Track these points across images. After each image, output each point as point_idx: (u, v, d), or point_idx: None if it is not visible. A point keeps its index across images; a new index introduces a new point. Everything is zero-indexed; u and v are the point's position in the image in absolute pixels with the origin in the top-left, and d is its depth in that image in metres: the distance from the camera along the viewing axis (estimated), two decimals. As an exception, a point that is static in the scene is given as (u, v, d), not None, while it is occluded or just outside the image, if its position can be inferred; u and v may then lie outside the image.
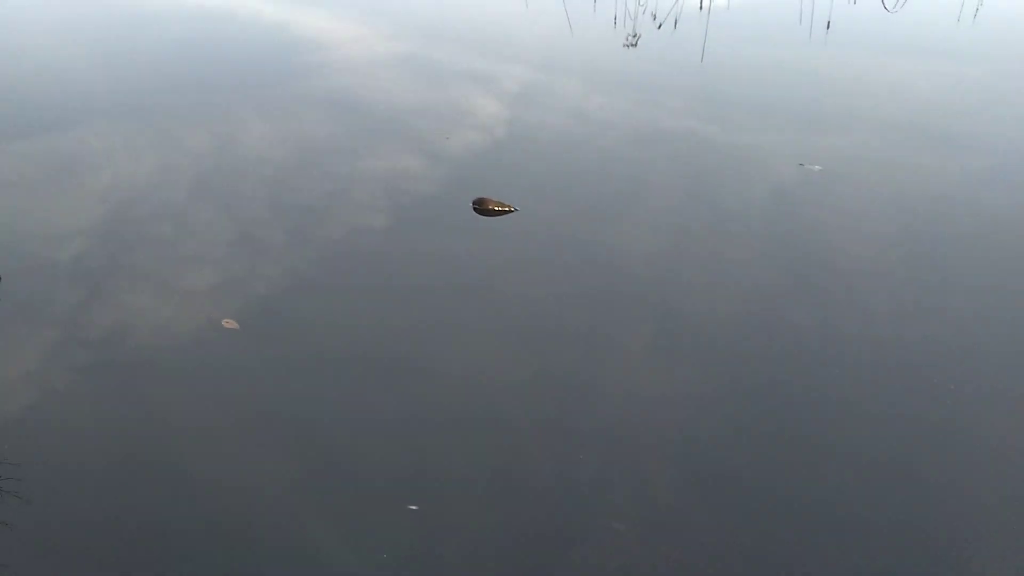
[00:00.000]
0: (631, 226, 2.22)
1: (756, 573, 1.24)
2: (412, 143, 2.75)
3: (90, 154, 2.67)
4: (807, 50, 3.45)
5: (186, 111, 2.95)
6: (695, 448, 1.48)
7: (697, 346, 1.74)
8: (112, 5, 3.94)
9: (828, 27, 3.60)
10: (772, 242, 2.17)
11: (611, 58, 3.40)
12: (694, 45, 3.45)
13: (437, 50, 3.50)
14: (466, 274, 2.00)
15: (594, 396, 1.61)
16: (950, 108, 3.02)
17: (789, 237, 2.20)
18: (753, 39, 3.56)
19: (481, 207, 2.25)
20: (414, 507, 1.34)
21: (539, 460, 1.47)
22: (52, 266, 2.03)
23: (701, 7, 3.79)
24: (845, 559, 1.26)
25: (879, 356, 1.72)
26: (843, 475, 1.41)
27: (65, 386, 1.65)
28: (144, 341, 1.77)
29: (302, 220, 2.22)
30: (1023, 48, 3.52)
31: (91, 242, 2.16)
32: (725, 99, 3.08)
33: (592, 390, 1.62)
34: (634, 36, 3.53)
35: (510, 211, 2.23)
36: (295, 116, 2.93)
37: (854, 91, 3.15)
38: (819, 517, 1.33)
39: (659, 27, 3.59)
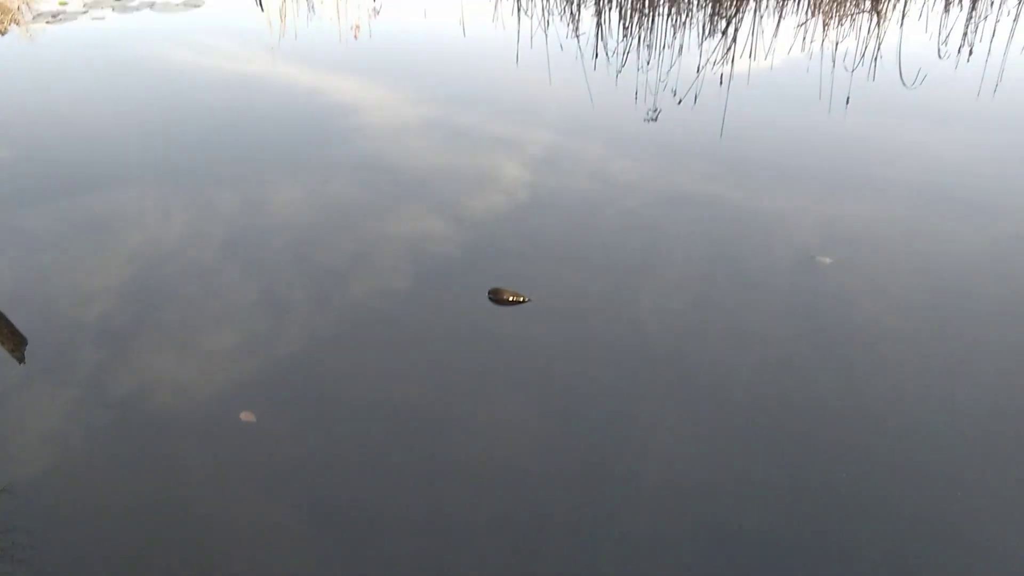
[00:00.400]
0: (653, 302, 2.29)
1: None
2: (436, 212, 2.86)
3: (121, 215, 2.82)
4: (827, 122, 3.51)
5: (217, 174, 3.11)
6: (725, 527, 1.52)
7: (724, 427, 1.79)
8: (147, 68, 4.19)
9: (847, 102, 3.66)
10: (797, 312, 2.22)
11: (632, 130, 3.49)
12: (714, 119, 3.53)
13: (462, 118, 3.64)
14: (485, 357, 2.09)
15: (619, 478, 1.66)
16: (975, 176, 3.04)
17: (814, 306, 2.25)
18: (773, 113, 3.63)
19: (497, 298, 2.32)
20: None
21: (563, 542, 1.51)
22: (79, 328, 2.16)
23: (721, 83, 3.88)
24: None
25: (907, 423, 1.75)
26: (873, 551, 1.43)
27: (86, 450, 1.74)
28: (167, 405, 1.86)
29: (319, 294, 2.33)
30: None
31: (119, 303, 2.28)
32: (747, 168, 3.14)
33: (617, 472, 1.68)
34: (655, 111, 3.62)
35: (525, 301, 2.33)
36: (322, 181, 3.07)
37: (876, 160, 3.19)
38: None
39: (679, 102, 3.68)
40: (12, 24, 5.00)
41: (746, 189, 3.02)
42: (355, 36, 4.67)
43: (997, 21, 4.59)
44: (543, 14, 4.90)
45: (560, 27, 4.66)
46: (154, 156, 3.30)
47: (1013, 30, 4.45)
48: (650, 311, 2.31)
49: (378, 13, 5.04)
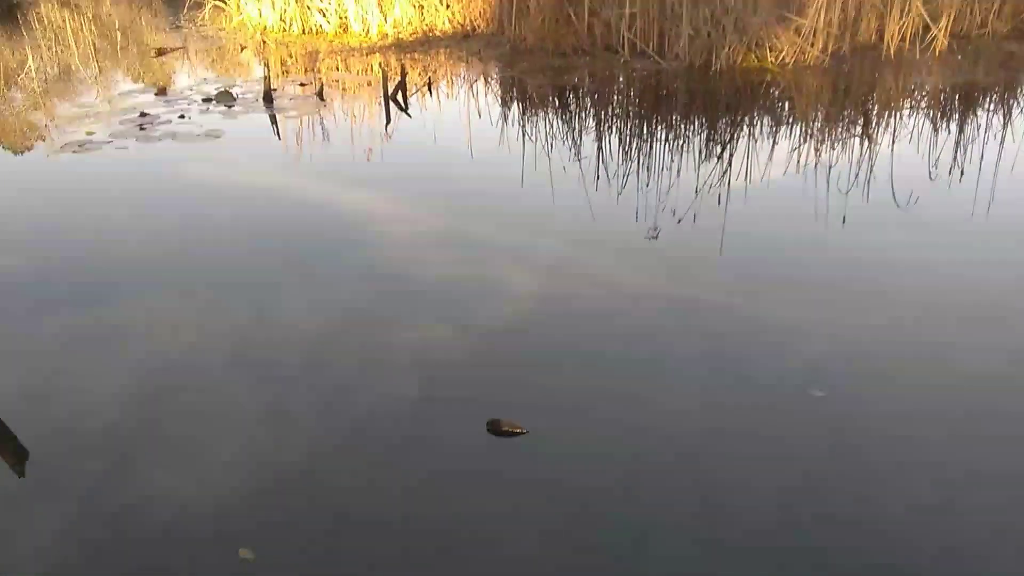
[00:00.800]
0: (650, 429, 2.31)
1: None
2: (440, 328, 2.92)
3: (129, 325, 2.89)
4: (825, 240, 3.59)
5: (228, 287, 3.20)
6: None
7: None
8: (166, 188, 4.36)
9: (844, 221, 3.76)
10: (809, 426, 2.26)
11: (634, 248, 3.58)
12: (713, 237, 3.63)
13: (468, 235, 3.75)
14: (485, 491, 2.09)
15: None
16: (975, 289, 3.09)
17: (826, 419, 2.29)
18: (771, 233, 3.73)
19: (495, 429, 2.33)
20: None
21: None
22: (81, 440, 2.17)
23: (719, 203, 4.01)
24: None
25: (922, 536, 1.73)
26: None
27: (80, 569, 1.73)
28: (168, 520, 1.86)
29: (320, 415, 2.36)
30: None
31: (124, 416, 2.31)
32: (747, 286, 3.20)
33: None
34: (655, 229, 3.73)
35: (522, 433, 2.33)
36: (333, 294, 3.15)
37: (877, 276, 3.25)
38: None
39: (679, 222, 3.79)
40: (39, 141, 5.25)
41: (747, 307, 3.08)
42: (368, 159, 4.87)
43: (985, 144, 4.76)
44: (546, 139, 5.12)
45: (563, 151, 4.86)
46: (167, 269, 3.41)
47: (1000, 152, 4.61)
48: (647, 439, 2.32)
49: (390, 138, 5.27)
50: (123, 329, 2.94)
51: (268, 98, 5.92)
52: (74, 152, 4.89)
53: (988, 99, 5.79)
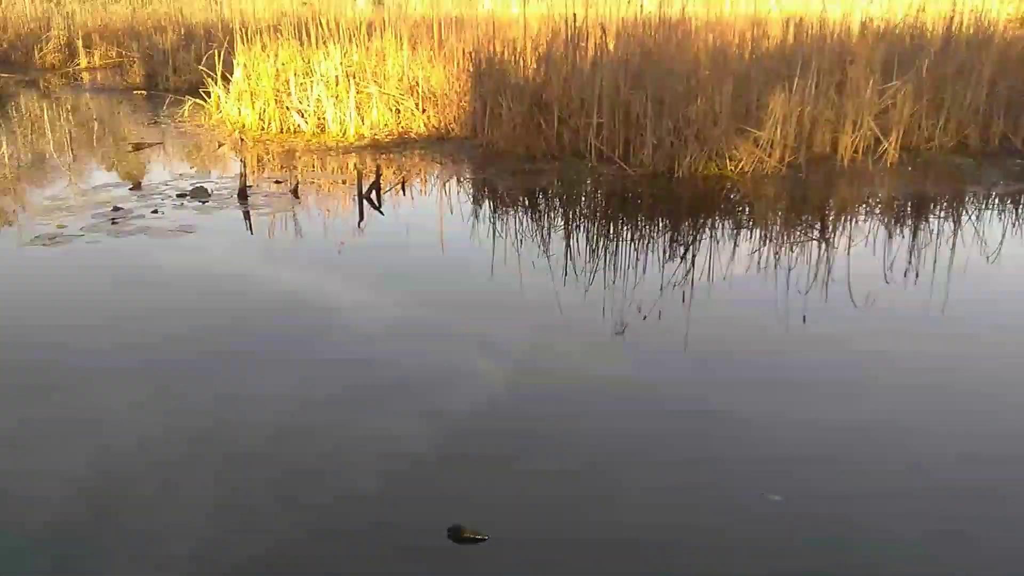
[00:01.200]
0: (609, 532, 2.31)
1: None
2: (404, 422, 2.93)
3: (85, 413, 2.86)
4: (785, 338, 3.69)
5: (192, 377, 3.20)
6: None
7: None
8: (132, 274, 4.37)
9: (804, 320, 3.87)
10: (788, 520, 2.30)
11: (600, 343, 3.64)
12: (678, 334, 3.71)
13: (437, 327, 3.79)
14: None
15: None
16: (933, 384, 3.19)
17: (806, 512, 2.34)
18: (733, 331, 3.82)
19: (456, 536, 2.29)
20: None
21: None
22: (28, 536, 2.11)
23: (683, 301, 4.11)
24: None
25: None
26: None
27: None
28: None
29: (273, 511, 2.34)
30: (994, 325, 3.72)
31: (74, 506, 2.25)
32: (711, 382, 3.28)
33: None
34: (622, 325, 3.80)
35: (481, 539, 2.28)
36: (297, 382, 3.15)
37: (844, 365, 3.37)
38: None
39: (644, 318, 3.87)
40: (8, 232, 5.25)
41: (711, 403, 3.13)
42: (339, 254, 4.94)
43: (937, 248, 4.97)
44: (516, 237, 5.25)
45: (532, 249, 4.97)
46: (135, 361, 3.39)
47: (952, 257, 4.81)
48: (607, 542, 2.32)
49: (363, 234, 5.36)
50: (81, 421, 2.89)
51: (243, 195, 6.01)
52: (44, 245, 4.89)
53: (938, 207, 6.08)
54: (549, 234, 5.31)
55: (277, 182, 6.51)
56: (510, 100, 7.29)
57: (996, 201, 6.14)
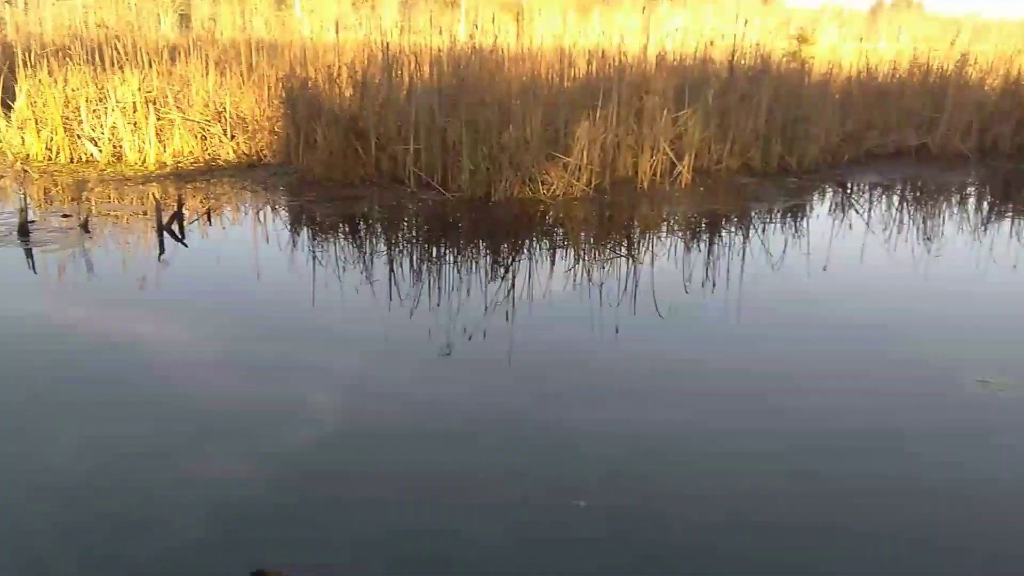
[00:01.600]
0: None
1: None
2: (216, 462, 2.80)
3: None
4: (601, 348, 3.89)
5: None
6: None
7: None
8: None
9: (617, 332, 4.10)
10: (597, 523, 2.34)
11: (425, 367, 3.67)
12: (502, 352, 3.82)
13: (254, 359, 3.67)
14: None
15: None
16: (737, 382, 3.47)
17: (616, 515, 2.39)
18: (554, 347, 3.98)
19: None
20: None
21: None
22: None
23: (506, 319, 4.23)
24: None
25: None
26: None
27: None
28: None
29: (80, 552, 2.15)
30: (782, 326, 4.13)
31: None
32: (535, 393, 3.40)
33: None
34: (448, 346, 3.84)
35: None
36: (101, 424, 2.93)
37: (654, 373, 3.58)
38: None
39: (470, 339, 3.94)
40: None
41: (539, 416, 3.23)
42: (140, 288, 4.63)
43: (730, 260, 5.45)
44: (337, 264, 5.17)
45: (355, 274, 4.92)
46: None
47: (742, 266, 5.29)
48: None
49: (165, 268, 5.06)
50: None
51: (24, 231, 5.48)
52: None
53: (728, 222, 6.66)
54: (371, 260, 5.28)
55: (65, 215, 5.99)
56: (325, 126, 7.19)
57: (778, 215, 6.83)
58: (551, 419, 3.19)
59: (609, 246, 5.90)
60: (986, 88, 10.17)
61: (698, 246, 5.94)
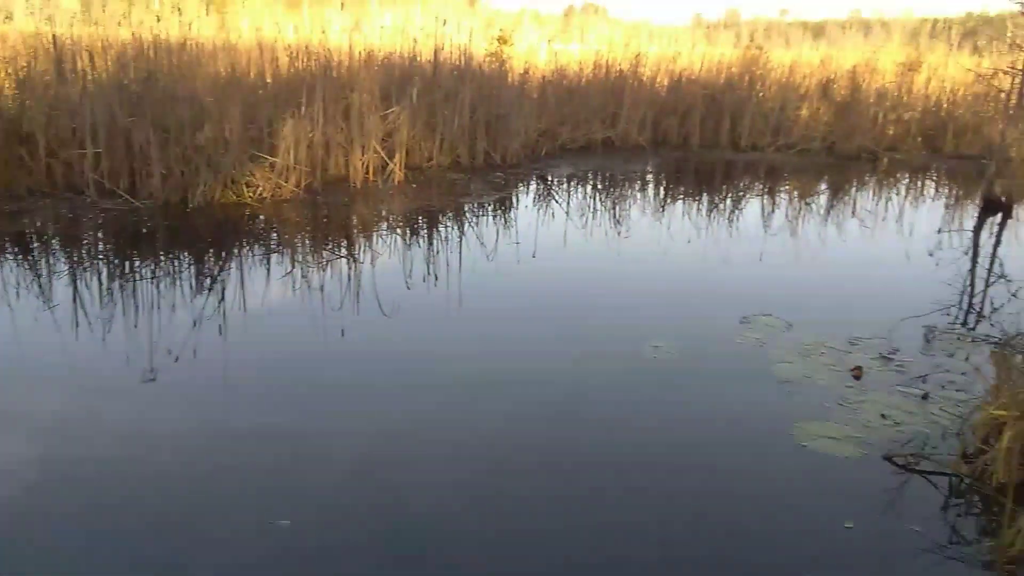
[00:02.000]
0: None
1: None
2: None
3: None
4: (327, 351, 3.74)
5: None
6: None
7: None
8: None
9: (343, 334, 3.96)
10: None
11: (127, 396, 3.26)
12: (216, 372, 3.52)
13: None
14: None
15: None
16: (472, 371, 3.50)
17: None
18: (274, 356, 3.75)
19: None
20: None
21: None
22: None
23: (220, 333, 3.91)
24: None
25: None
26: None
27: None
28: None
29: None
30: (510, 318, 4.27)
31: None
32: (254, 409, 3.18)
33: None
34: (152, 371, 3.45)
35: None
36: None
37: (382, 371, 3.50)
38: None
39: (176, 360, 3.57)
40: None
41: (261, 432, 3.03)
42: None
43: (449, 254, 5.54)
44: (4, 289, 4.43)
45: (30, 301, 4.25)
46: None
47: (460, 260, 5.41)
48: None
49: None
50: None
51: None
52: None
53: (442, 217, 6.78)
54: (49, 283, 4.59)
55: None
56: (-25, 131, 6.13)
57: (488, 208, 7.09)
58: (277, 431, 3.00)
59: (326, 248, 5.72)
60: (656, 86, 11.46)
61: (416, 242, 5.97)
